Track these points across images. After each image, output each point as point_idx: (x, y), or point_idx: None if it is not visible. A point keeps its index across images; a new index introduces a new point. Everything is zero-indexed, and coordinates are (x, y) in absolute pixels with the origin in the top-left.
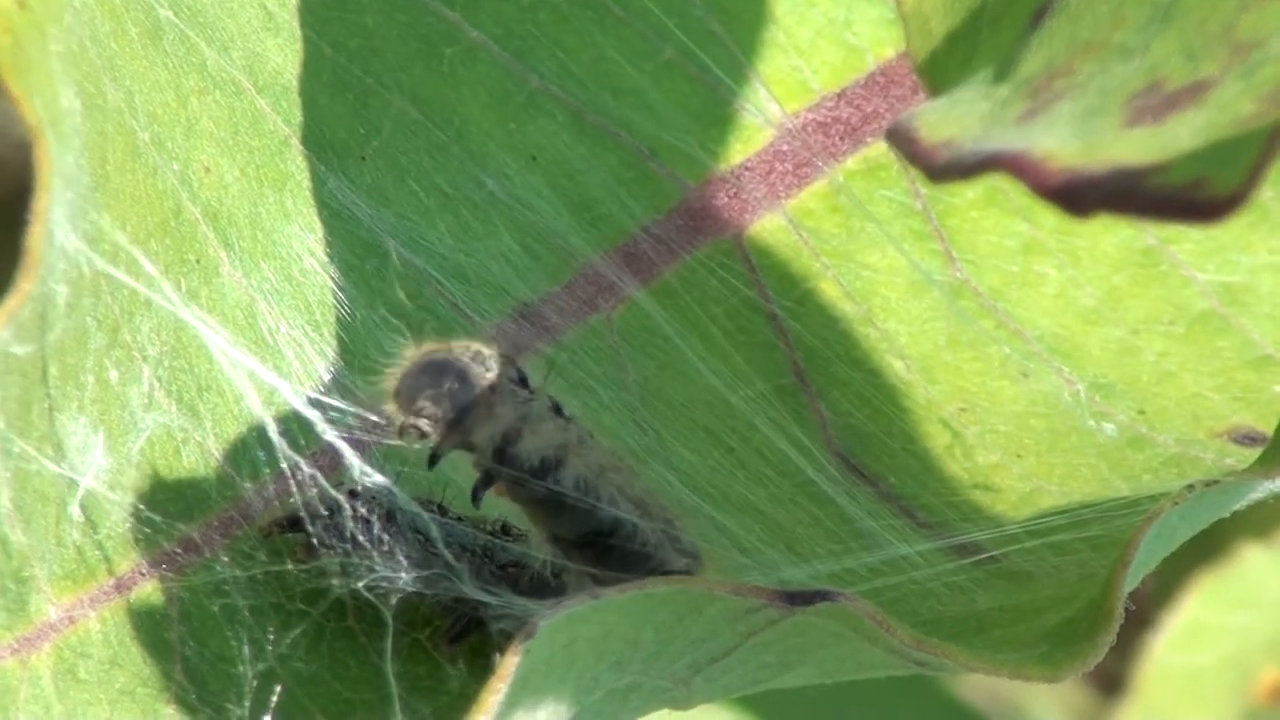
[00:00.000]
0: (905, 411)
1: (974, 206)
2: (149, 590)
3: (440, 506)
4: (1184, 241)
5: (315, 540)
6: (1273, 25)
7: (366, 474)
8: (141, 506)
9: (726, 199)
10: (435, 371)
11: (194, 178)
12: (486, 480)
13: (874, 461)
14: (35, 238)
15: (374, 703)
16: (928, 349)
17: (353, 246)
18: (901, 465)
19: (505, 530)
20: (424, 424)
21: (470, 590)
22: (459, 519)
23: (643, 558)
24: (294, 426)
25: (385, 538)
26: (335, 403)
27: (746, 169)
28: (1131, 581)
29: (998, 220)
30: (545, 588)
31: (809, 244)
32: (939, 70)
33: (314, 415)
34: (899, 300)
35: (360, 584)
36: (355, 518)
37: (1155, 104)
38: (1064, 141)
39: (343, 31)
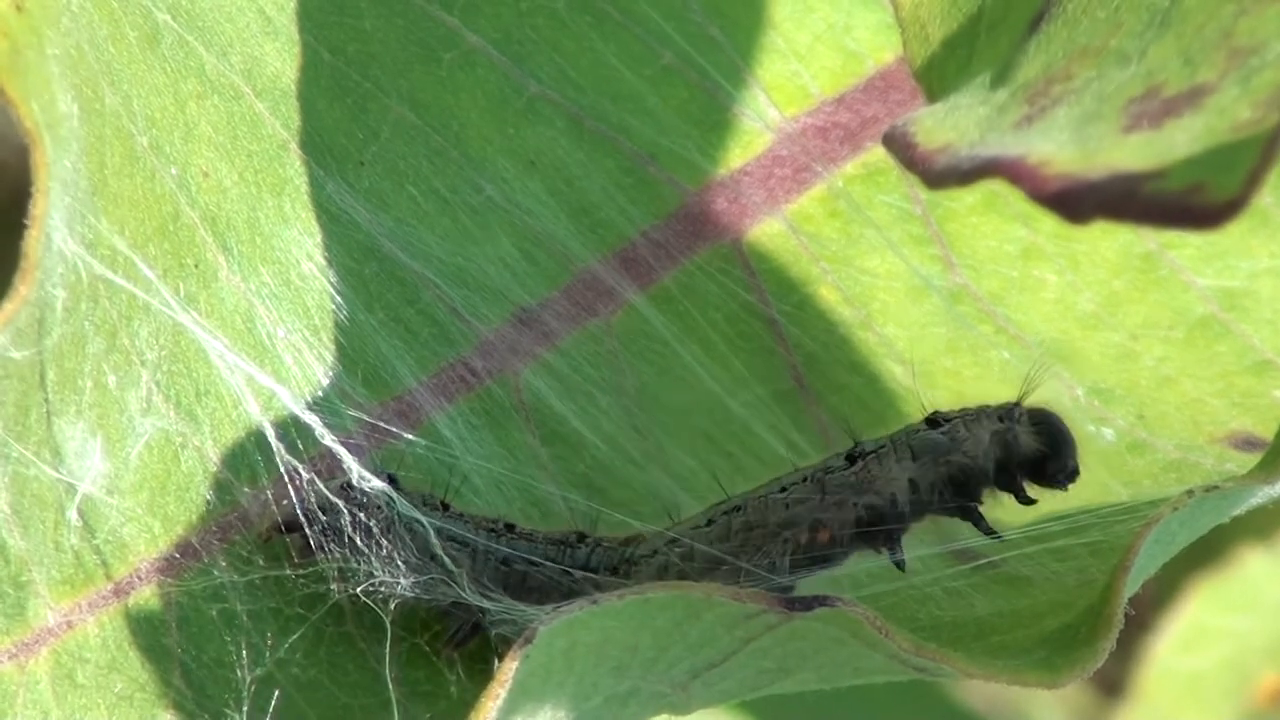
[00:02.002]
0: (904, 416)
1: (973, 211)
2: (147, 595)
3: (443, 504)
4: (1184, 246)
5: (314, 544)
6: (1270, 30)
7: (365, 479)
8: (139, 511)
9: (725, 204)
10: None
11: (192, 182)
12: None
13: None
14: (33, 242)
15: (373, 707)
16: (927, 354)
17: (351, 251)
18: None
19: (510, 529)
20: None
21: (469, 595)
22: (460, 516)
23: None
24: (292, 431)
25: (384, 542)
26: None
27: (745, 174)
28: (1131, 587)
29: (997, 225)
30: (552, 591)
31: (808, 249)
32: (937, 75)
33: (313, 420)
34: (898, 305)
35: (359, 589)
36: (354, 523)
37: (1153, 109)
38: (1061, 147)
39: (341, 36)
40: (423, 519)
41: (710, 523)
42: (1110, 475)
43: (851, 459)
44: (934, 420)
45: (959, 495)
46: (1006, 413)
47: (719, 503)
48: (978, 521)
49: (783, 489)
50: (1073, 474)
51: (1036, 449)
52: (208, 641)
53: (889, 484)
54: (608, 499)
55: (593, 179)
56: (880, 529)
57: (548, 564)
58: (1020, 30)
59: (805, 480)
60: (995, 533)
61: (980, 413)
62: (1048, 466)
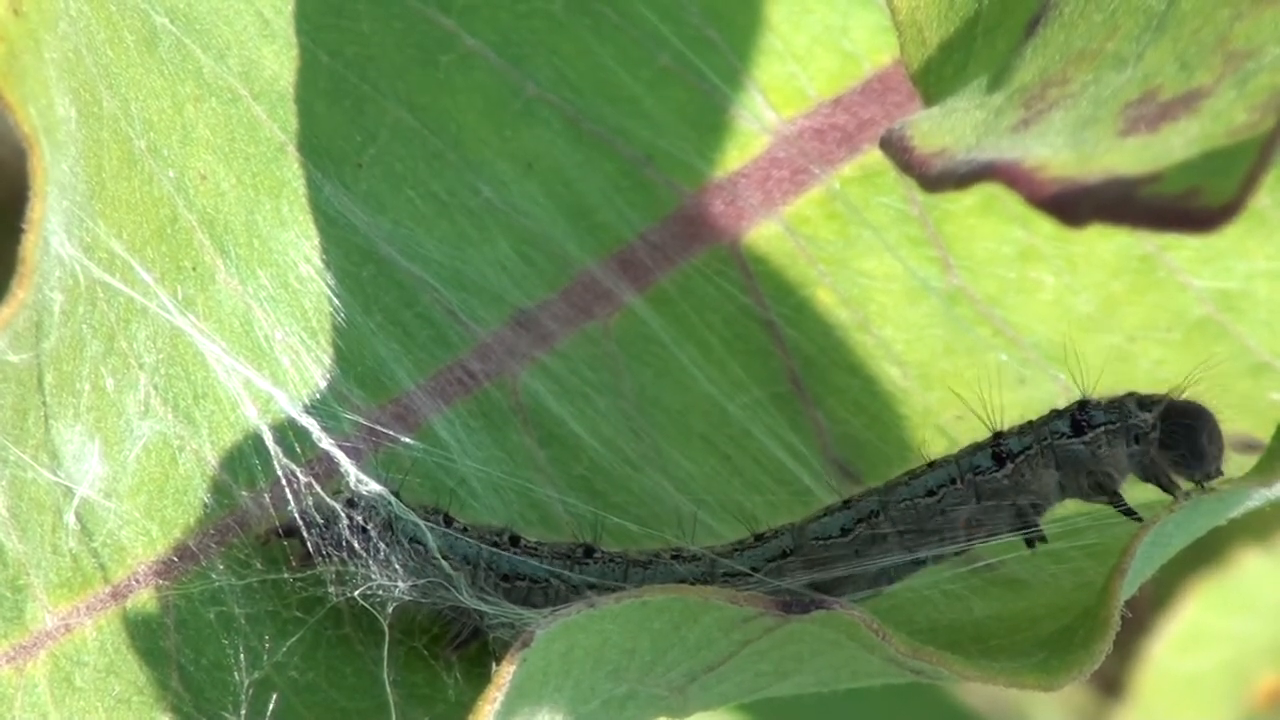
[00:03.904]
0: (902, 419)
1: (971, 213)
2: (145, 598)
3: (446, 516)
4: (1181, 248)
5: (311, 548)
6: (1267, 34)
7: (363, 482)
8: (137, 514)
9: (723, 206)
10: None
11: (190, 185)
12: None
13: (871, 469)
14: (30, 245)
15: (370, 711)
16: (924, 356)
17: (349, 253)
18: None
19: (514, 542)
20: None
21: (467, 599)
22: (464, 529)
23: None
24: (290, 434)
25: (381, 546)
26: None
27: (743, 176)
28: (1128, 590)
29: (994, 227)
30: (557, 601)
31: (805, 251)
32: (934, 79)
33: (310, 423)
34: (895, 307)
35: (356, 592)
36: (351, 526)
37: (1149, 113)
38: (1057, 151)
39: (339, 39)
40: (424, 527)
41: (845, 532)
42: None
43: (999, 459)
44: (1078, 425)
45: (1103, 490)
46: (1142, 434)
47: (837, 510)
48: (1119, 505)
49: (930, 492)
50: (1213, 478)
51: (1174, 462)
52: (205, 644)
53: (1041, 486)
54: (606, 502)
55: (590, 181)
56: (1023, 524)
57: (553, 581)
58: (1017, 34)
59: (955, 482)
60: (1136, 514)
61: (1122, 425)
62: (1190, 473)
